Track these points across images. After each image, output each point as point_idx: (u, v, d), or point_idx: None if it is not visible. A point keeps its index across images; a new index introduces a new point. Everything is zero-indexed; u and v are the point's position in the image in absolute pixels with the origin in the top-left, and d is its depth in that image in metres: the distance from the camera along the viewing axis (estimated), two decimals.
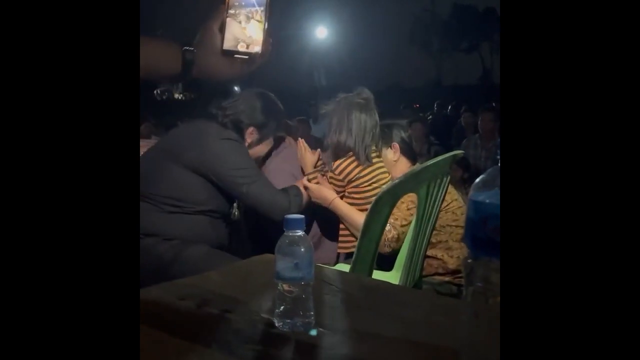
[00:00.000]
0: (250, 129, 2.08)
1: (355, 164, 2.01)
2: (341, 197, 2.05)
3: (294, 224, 0.85)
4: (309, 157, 2.24)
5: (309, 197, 2.09)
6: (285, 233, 0.85)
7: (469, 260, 0.61)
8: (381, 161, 2.12)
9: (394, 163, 2.19)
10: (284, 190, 2.07)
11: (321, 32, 23.84)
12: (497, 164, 0.60)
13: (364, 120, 2.02)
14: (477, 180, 0.62)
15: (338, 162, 2.04)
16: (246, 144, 2.09)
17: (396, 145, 2.19)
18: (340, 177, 2.02)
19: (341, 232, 2.08)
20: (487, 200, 0.59)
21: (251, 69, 0.91)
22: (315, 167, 2.25)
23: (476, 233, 0.59)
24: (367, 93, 2.10)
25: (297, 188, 2.10)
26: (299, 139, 2.32)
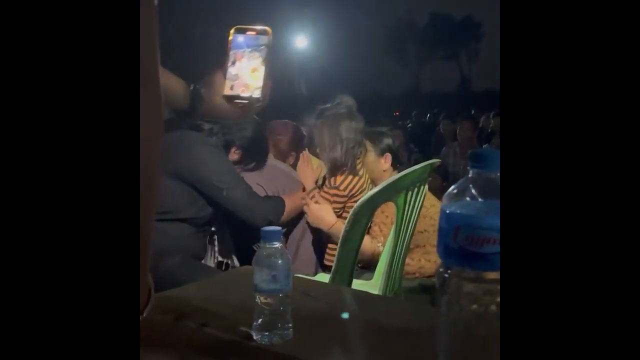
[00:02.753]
0: (235, 148, 2.13)
1: (357, 177, 2.02)
2: (341, 214, 2.05)
3: (271, 236, 0.86)
4: (309, 172, 2.18)
5: (296, 212, 2.10)
6: (262, 245, 0.86)
7: (442, 270, 0.62)
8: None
9: (383, 172, 2.22)
10: (266, 198, 2.08)
11: (301, 42, 23.98)
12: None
13: (353, 130, 2.04)
14: (449, 190, 0.64)
15: (341, 178, 2.04)
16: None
17: (389, 156, 2.23)
18: (345, 193, 2.02)
19: (330, 246, 2.09)
20: (459, 211, 0.60)
21: (252, 112, 0.98)
22: (316, 183, 2.22)
23: (448, 243, 0.60)
24: (348, 100, 2.12)
25: (280, 199, 2.11)
26: (305, 151, 2.29)
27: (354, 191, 2.03)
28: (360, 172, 2.08)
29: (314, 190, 2.12)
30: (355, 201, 1.99)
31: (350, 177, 2.03)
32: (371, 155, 2.24)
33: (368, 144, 2.24)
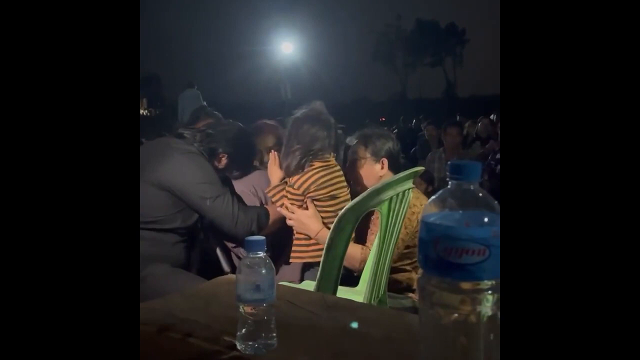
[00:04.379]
0: (222, 155, 2.13)
1: (314, 178, 2.01)
2: (305, 207, 2.05)
3: (255, 246, 0.86)
4: (276, 171, 2.17)
5: (279, 221, 2.10)
6: (246, 255, 0.86)
7: (422, 280, 0.63)
8: (337, 171, 2.11)
9: (379, 177, 2.19)
10: (251, 207, 2.07)
11: (287, 48, 24.00)
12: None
13: (311, 134, 2.04)
14: (429, 200, 0.64)
15: (297, 177, 2.04)
16: (213, 165, 2.10)
17: (385, 161, 2.20)
18: (299, 192, 2.02)
19: (295, 242, 2.08)
20: (438, 222, 0.61)
21: None
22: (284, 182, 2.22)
23: (428, 253, 0.61)
24: (317, 105, 2.12)
25: (264, 207, 2.10)
26: (272, 151, 2.26)
27: (308, 191, 2.01)
28: (321, 173, 2.03)
29: (277, 187, 2.11)
30: (317, 199, 2.01)
31: (305, 176, 2.02)
32: (364, 162, 2.21)
33: (361, 149, 2.21)
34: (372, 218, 2.10)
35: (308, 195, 2.02)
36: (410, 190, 1.75)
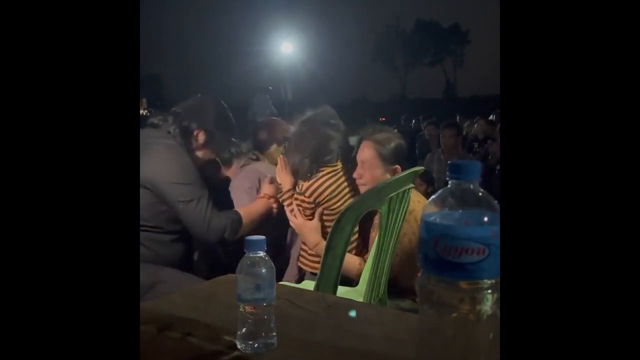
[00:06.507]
0: (198, 131, 2.04)
1: (325, 185, 2.01)
2: (311, 219, 2.03)
3: (255, 245, 0.86)
4: (286, 176, 2.14)
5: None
6: (246, 254, 0.86)
7: (422, 279, 0.63)
8: (343, 176, 2.10)
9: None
10: (223, 213, 2.00)
11: (287, 48, 24.01)
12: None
13: (324, 138, 2.03)
14: (429, 200, 0.65)
15: (307, 183, 2.03)
16: (192, 146, 2.04)
17: (399, 168, 2.03)
18: (310, 200, 2.01)
19: (302, 247, 2.09)
20: (438, 221, 0.61)
21: None
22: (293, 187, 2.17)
23: (427, 252, 0.61)
24: (328, 109, 2.12)
25: (237, 213, 2.05)
26: (280, 155, 2.22)
27: (319, 199, 1.99)
28: (331, 179, 2.04)
29: (289, 192, 2.11)
30: (328, 208, 2.00)
31: (317, 183, 2.01)
32: (378, 170, 2.01)
33: (373, 156, 2.01)
34: (373, 224, 1.99)
35: (322, 205, 2.00)
36: (410, 190, 1.75)
